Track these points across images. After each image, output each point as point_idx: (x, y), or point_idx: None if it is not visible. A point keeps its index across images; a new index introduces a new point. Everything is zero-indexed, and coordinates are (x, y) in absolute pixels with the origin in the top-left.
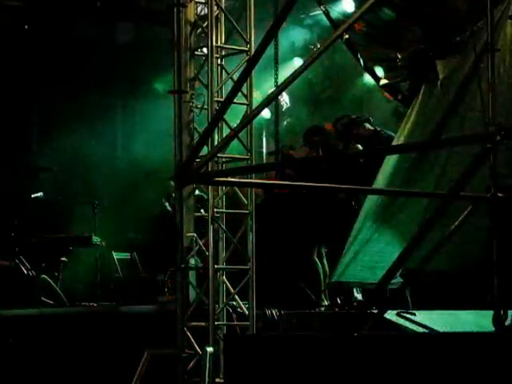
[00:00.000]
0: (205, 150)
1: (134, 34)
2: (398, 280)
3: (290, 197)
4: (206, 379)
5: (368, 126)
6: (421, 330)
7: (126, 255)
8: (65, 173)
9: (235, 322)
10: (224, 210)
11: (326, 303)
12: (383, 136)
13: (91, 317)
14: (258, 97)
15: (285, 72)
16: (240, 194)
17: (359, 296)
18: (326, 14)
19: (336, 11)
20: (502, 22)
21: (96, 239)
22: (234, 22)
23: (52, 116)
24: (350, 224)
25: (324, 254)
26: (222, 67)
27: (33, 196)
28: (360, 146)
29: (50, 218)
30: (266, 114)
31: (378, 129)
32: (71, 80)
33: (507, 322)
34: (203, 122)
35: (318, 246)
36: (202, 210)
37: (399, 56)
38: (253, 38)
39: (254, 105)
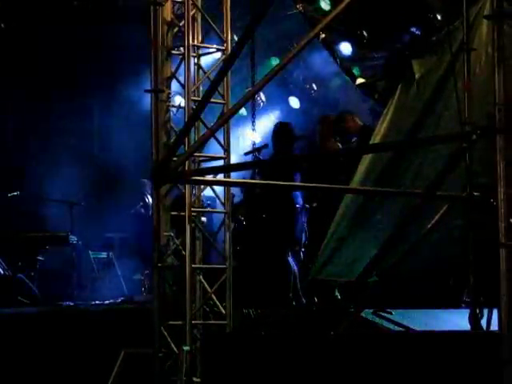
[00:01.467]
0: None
1: (111, 33)
2: (374, 278)
3: (263, 196)
4: (183, 378)
5: (357, 119)
6: (397, 328)
7: (103, 254)
8: (40, 172)
9: (212, 321)
10: (201, 209)
11: (303, 302)
12: (372, 130)
13: (67, 316)
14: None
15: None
16: (216, 193)
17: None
18: (303, 13)
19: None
20: (478, 21)
21: (73, 238)
22: (211, 22)
23: (27, 115)
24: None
25: (300, 253)
26: (199, 66)
27: (9, 195)
28: (340, 145)
29: (26, 217)
30: (242, 111)
31: (366, 124)
32: (47, 79)
33: (483, 321)
34: (180, 121)
35: (292, 245)
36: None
37: (375, 55)
38: (229, 38)
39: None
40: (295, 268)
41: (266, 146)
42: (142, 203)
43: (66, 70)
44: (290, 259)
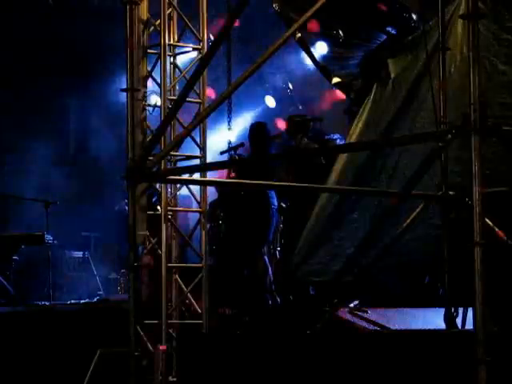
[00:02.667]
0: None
1: (87, 32)
2: (350, 277)
3: (239, 196)
4: (159, 377)
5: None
6: (373, 327)
7: (78, 254)
8: (16, 171)
9: (188, 321)
10: (177, 209)
11: (279, 301)
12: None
13: (43, 316)
14: (211, 94)
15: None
16: (193, 192)
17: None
18: (279, 12)
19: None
20: (453, 21)
21: (48, 237)
22: (187, 21)
23: (2, 114)
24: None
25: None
26: (175, 65)
27: None
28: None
29: (0, 216)
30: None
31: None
32: (22, 78)
33: (458, 319)
34: (156, 120)
35: (267, 244)
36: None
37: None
38: (206, 37)
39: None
40: (270, 268)
41: (241, 144)
42: (126, 200)
43: (40, 70)
44: (266, 258)
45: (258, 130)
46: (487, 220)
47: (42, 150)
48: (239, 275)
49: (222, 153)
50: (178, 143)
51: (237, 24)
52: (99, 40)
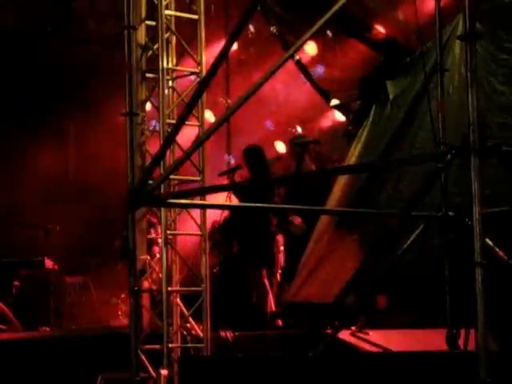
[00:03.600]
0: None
1: (85, 58)
2: (352, 299)
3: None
4: None
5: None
6: (375, 349)
7: (79, 279)
8: (16, 196)
9: (189, 345)
10: (177, 232)
11: (280, 324)
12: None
13: (44, 341)
14: (210, 117)
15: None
16: (192, 216)
17: None
18: (276, 35)
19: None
20: (451, 42)
21: (48, 263)
22: (185, 45)
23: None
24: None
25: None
26: (174, 89)
27: None
28: (313, 167)
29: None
30: None
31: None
32: (21, 102)
33: (460, 341)
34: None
35: (267, 266)
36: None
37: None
38: (204, 60)
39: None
40: (271, 290)
41: (239, 167)
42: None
43: (39, 95)
44: (266, 281)
45: (251, 156)
46: (487, 240)
47: (42, 176)
48: (241, 298)
49: (220, 175)
50: (177, 167)
51: (235, 47)
52: (98, 65)
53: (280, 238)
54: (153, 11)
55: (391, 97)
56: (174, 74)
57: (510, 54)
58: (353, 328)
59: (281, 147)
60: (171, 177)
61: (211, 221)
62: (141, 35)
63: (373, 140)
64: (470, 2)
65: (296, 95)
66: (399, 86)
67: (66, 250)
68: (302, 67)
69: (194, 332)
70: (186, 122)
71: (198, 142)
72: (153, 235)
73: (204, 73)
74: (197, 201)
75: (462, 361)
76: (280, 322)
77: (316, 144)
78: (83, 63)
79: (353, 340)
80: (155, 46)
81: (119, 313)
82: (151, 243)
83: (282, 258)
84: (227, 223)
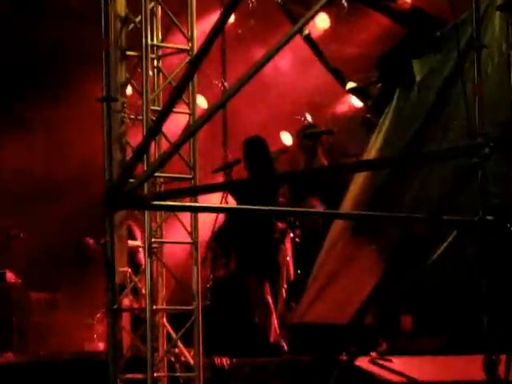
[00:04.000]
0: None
1: (52, 33)
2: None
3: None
4: None
5: None
6: (399, 379)
7: (46, 295)
8: None
9: (178, 373)
10: (163, 240)
11: (286, 349)
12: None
13: (5, 369)
14: (202, 103)
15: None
16: (182, 220)
17: None
18: (282, 5)
19: None
20: (490, 13)
21: (10, 276)
22: (173, 17)
23: None
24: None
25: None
26: (159, 70)
27: None
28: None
29: None
30: None
31: None
32: None
33: (500, 368)
34: (137, 135)
35: (270, 280)
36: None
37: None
38: (195, 35)
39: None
40: (275, 309)
41: (238, 161)
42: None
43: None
44: (269, 298)
45: (253, 147)
46: None
47: (3, 171)
48: (239, 317)
49: (215, 171)
50: (163, 162)
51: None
52: (68, 43)
53: (287, 247)
54: None
55: (418, 78)
56: (160, 52)
57: None
58: (372, 354)
59: (287, 138)
60: (156, 174)
61: (205, 227)
62: (120, 5)
63: (396, 130)
64: None
65: (305, 77)
66: (428, 66)
67: (31, 261)
68: (312, 43)
69: (183, 358)
70: (174, 109)
71: (189, 133)
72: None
73: (195, 50)
74: (187, 203)
75: None
76: (286, 347)
77: (329, 135)
78: (50, 39)
79: (372, 368)
80: (137, 19)
81: (94, 335)
82: (134, 252)
83: (290, 270)
84: (224, 229)
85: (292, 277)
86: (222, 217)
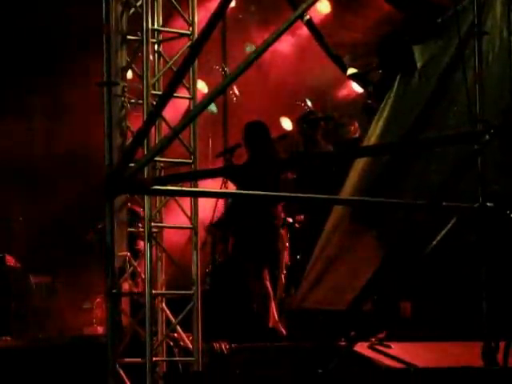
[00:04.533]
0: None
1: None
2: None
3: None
4: None
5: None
6: (398, 365)
7: (46, 279)
8: None
9: (177, 358)
10: (163, 225)
11: (284, 334)
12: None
13: (4, 353)
14: (203, 88)
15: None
16: (182, 205)
17: None
18: None
19: None
20: (491, 0)
21: (9, 260)
22: (174, 1)
23: None
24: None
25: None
26: (160, 54)
27: None
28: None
29: None
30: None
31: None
32: None
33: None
34: (138, 120)
35: (269, 266)
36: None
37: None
38: (196, 20)
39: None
40: (274, 294)
41: (239, 145)
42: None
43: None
44: (267, 283)
45: (255, 131)
46: None
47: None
48: (238, 303)
49: (216, 156)
50: (164, 147)
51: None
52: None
53: (284, 233)
54: None
55: (419, 65)
56: (161, 37)
57: None
58: (372, 340)
59: (287, 124)
60: (156, 159)
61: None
62: None
63: (397, 116)
64: None
65: (306, 62)
66: (429, 53)
67: (31, 245)
68: (313, 29)
69: (182, 343)
70: (175, 94)
71: (189, 118)
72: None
73: (196, 35)
74: (187, 187)
75: (500, 378)
76: (284, 333)
77: (329, 121)
78: (51, 24)
79: (371, 354)
80: (138, 3)
81: (93, 320)
82: (135, 237)
83: (286, 255)
84: (224, 214)
85: (287, 262)
86: (221, 202)
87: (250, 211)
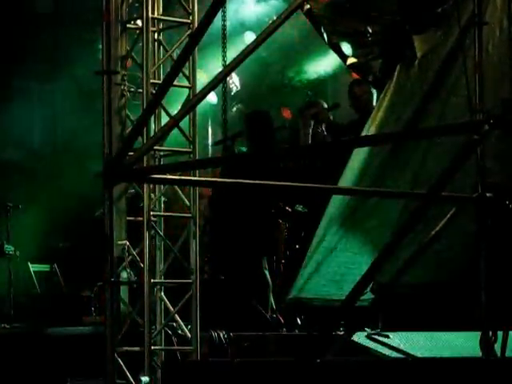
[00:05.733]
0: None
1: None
2: (368, 296)
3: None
4: None
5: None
6: (395, 354)
7: (45, 267)
8: None
9: (175, 347)
10: (162, 214)
11: (282, 323)
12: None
13: (4, 340)
14: (202, 78)
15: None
16: (181, 194)
17: None
18: None
19: None
20: None
21: (9, 248)
22: None
23: None
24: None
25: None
26: (160, 43)
27: None
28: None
29: None
30: (212, 98)
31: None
32: None
33: (496, 345)
34: (137, 109)
35: (267, 255)
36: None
37: (370, 30)
38: (196, 8)
39: (198, 88)
40: (272, 284)
41: (239, 133)
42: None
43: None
44: (267, 273)
45: (256, 121)
46: None
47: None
48: (237, 292)
49: (216, 143)
50: (163, 136)
51: None
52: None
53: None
54: None
55: (419, 55)
56: (161, 25)
57: None
58: (369, 329)
59: (287, 114)
60: (156, 147)
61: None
62: None
63: (396, 106)
64: None
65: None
66: (428, 42)
67: (30, 233)
68: (313, 18)
69: (180, 332)
70: (175, 83)
71: (189, 107)
72: None
73: (196, 24)
74: (186, 176)
75: (498, 369)
76: (283, 322)
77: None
78: (48, 11)
79: (369, 343)
80: None
81: (92, 308)
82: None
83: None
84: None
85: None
86: None
87: (248, 201)
